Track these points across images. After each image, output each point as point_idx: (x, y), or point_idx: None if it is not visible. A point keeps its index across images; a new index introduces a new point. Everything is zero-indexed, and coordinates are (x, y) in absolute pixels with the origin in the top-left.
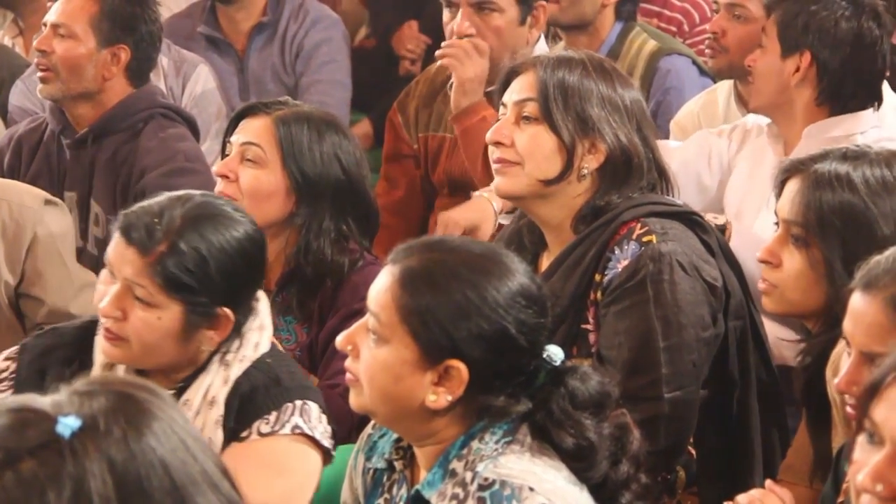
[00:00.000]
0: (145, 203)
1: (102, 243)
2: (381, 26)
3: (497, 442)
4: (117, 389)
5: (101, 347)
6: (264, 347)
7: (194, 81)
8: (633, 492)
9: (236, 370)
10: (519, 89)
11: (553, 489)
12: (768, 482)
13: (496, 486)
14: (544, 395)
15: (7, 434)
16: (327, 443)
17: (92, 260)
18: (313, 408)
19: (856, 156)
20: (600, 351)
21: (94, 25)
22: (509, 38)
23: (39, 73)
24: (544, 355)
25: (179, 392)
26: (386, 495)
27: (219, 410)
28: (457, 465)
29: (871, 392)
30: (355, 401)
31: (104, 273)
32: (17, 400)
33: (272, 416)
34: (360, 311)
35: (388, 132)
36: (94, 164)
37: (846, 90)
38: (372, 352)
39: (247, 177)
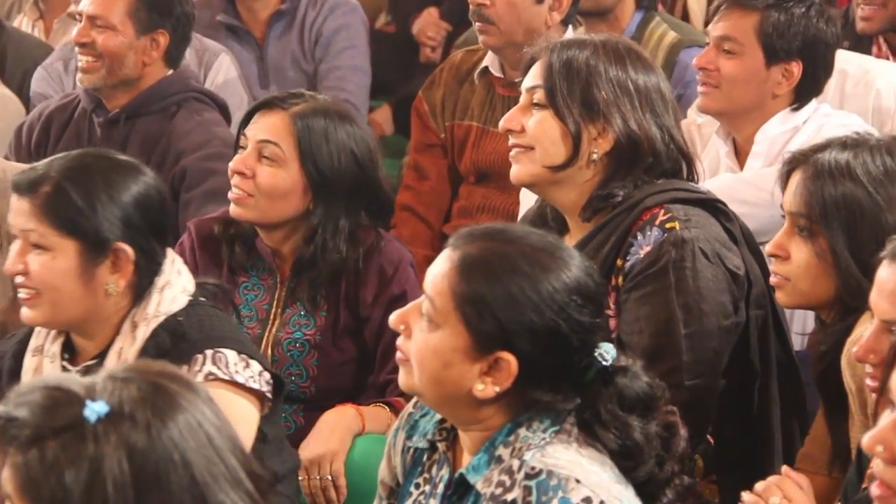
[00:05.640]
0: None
1: None
2: (402, 13)
3: (545, 431)
4: (152, 379)
5: (22, 317)
6: (172, 305)
7: (216, 71)
8: (675, 490)
9: (143, 329)
10: (532, 76)
11: (598, 482)
12: (785, 468)
13: (543, 476)
14: (592, 394)
15: (38, 412)
16: (256, 385)
17: None
18: (228, 354)
19: (856, 144)
20: (620, 336)
21: (131, 14)
22: (523, 12)
23: (82, 64)
24: (595, 353)
25: (101, 359)
26: (426, 475)
27: None
28: (503, 452)
29: (891, 361)
30: (404, 380)
31: (14, 243)
32: (55, 379)
33: (183, 371)
34: (401, 297)
35: (415, 122)
36: (126, 144)
37: (816, 91)
38: (424, 335)
39: (265, 175)
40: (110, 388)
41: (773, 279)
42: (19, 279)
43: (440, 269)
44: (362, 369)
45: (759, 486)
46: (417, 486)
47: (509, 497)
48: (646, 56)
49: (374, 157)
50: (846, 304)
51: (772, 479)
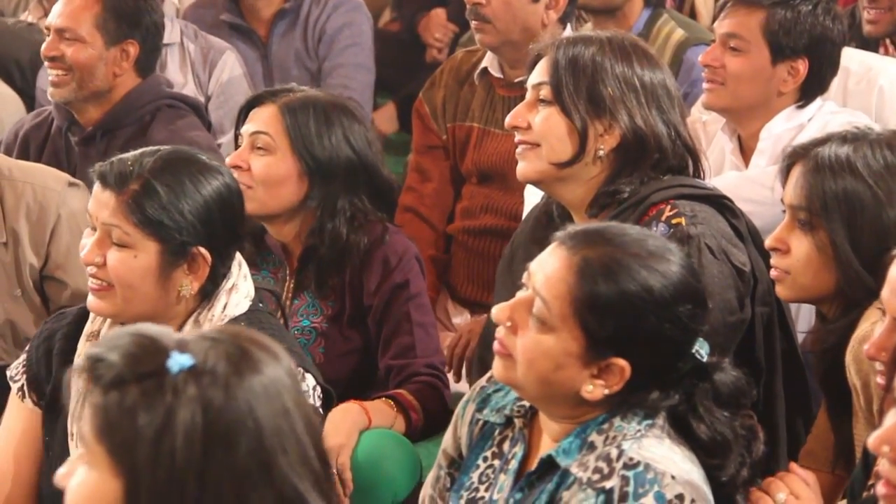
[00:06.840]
0: (121, 155)
1: None
2: (407, 12)
3: (639, 423)
4: (240, 343)
5: (89, 305)
6: (236, 308)
7: (220, 69)
8: (745, 496)
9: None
10: (538, 72)
11: (690, 481)
12: (791, 464)
13: (640, 468)
14: (688, 389)
15: (125, 356)
16: (310, 399)
17: None
18: None
19: (856, 138)
20: None
21: (100, 25)
22: (519, 10)
23: (52, 78)
24: (692, 350)
25: None
26: (495, 449)
27: None
28: (596, 439)
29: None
30: (503, 373)
31: (87, 230)
32: (149, 328)
33: None
34: (403, 285)
35: (416, 124)
36: (104, 160)
37: (822, 89)
38: (535, 336)
39: (258, 164)
40: (199, 343)
41: (773, 272)
42: (92, 269)
43: (556, 271)
44: (365, 360)
45: (765, 482)
46: (485, 459)
47: (608, 484)
48: (652, 52)
49: (372, 145)
50: (846, 297)
51: (778, 475)
